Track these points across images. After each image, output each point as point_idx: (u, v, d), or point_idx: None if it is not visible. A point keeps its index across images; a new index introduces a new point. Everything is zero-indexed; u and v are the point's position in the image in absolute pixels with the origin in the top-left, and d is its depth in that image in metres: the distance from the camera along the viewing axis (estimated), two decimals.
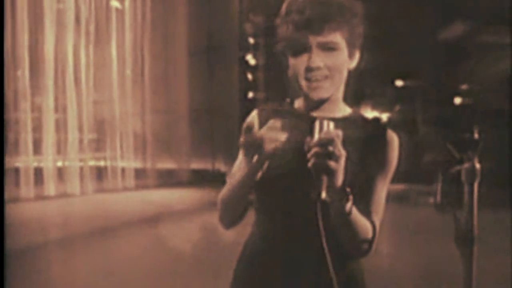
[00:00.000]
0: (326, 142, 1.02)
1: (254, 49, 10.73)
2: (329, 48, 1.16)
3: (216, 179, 10.63)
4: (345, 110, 1.26)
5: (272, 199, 1.23)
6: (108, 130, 8.94)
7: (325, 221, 1.07)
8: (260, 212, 1.27)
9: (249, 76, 10.76)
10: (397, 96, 10.31)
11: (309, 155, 1.04)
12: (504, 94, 9.83)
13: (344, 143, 1.06)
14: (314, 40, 1.15)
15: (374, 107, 10.28)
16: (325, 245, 1.05)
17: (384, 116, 10.29)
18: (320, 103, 1.22)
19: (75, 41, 8.21)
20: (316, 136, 1.04)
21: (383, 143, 1.21)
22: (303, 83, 1.18)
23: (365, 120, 1.26)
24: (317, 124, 1.06)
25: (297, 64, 1.18)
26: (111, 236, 5.79)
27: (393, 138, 1.22)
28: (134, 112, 9.26)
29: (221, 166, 10.37)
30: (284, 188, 1.19)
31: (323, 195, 1.01)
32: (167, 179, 9.56)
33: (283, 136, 1.12)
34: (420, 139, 9.46)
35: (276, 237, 1.21)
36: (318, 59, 1.15)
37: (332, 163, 1.02)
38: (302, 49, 1.16)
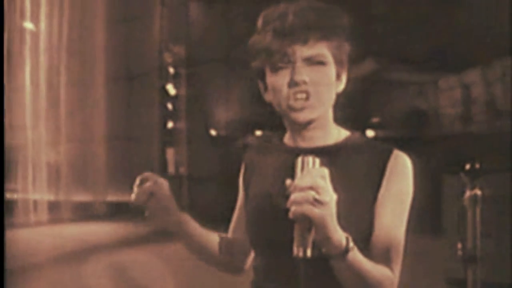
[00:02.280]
0: (307, 186, 0.83)
1: (174, 79, 10.67)
2: (315, 62, 1.00)
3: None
4: (340, 134, 1.09)
5: (263, 257, 1.07)
6: (19, 159, 8.34)
7: (317, 281, 0.94)
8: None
9: (169, 106, 10.64)
10: None
11: (288, 203, 0.84)
12: (411, 126, 10.66)
13: (336, 179, 0.87)
14: (298, 51, 0.98)
15: None
16: None
17: None
18: (308, 129, 1.04)
19: None
20: (298, 177, 0.85)
21: (388, 168, 1.01)
22: (286, 102, 1.01)
23: (365, 142, 1.09)
24: (299, 162, 0.87)
25: (278, 80, 1.01)
26: (21, 276, 5.32)
27: (401, 160, 1.03)
28: (47, 141, 8.73)
29: None
30: (272, 245, 1.02)
31: (309, 252, 0.84)
32: (83, 212, 9.06)
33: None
34: None
35: None
36: (303, 72, 0.99)
37: (316, 212, 0.82)
38: (284, 61, 1.00)
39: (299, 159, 0.88)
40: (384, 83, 10.75)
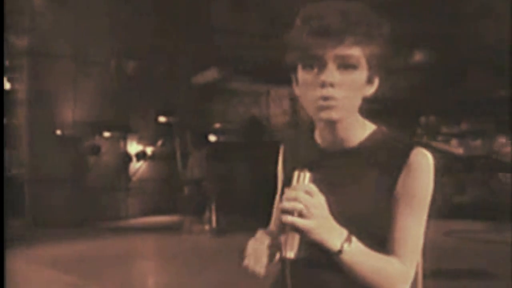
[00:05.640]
0: (292, 197, 0.94)
1: (10, 72, 9.81)
2: (347, 64, 1.00)
3: None
4: (365, 131, 1.10)
5: None
6: None
7: (304, 278, 1.04)
8: None
9: (4, 101, 9.73)
10: (160, 131, 10.79)
11: (281, 209, 0.95)
12: (248, 132, 11.46)
13: (355, 177, 1.03)
14: (331, 51, 0.99)
15: (140, 140, 10.59)
16: None
17: (149, 150, 10.68)
18: (333, 129, 1.07)
19: None
20: (289, 188, 0.96)
21: (406, 165, 1.04)
22: (313, 101, 1.02)
23: (388, 137, 1.10)
24: (295, 174, 0.96)
25: (308, 78, 1.02)
26: None
27: (421, 157, 1.04)
28: None
29: None
30: None
31: (290, 254, 0.93)
32: None
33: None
34: (182, 174, 10.11)
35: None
36: (333, 74, 0.99)
37: (300, 222, 0.94)
38: (317, 61, 1.00)
39: (295, 172, 0.96)
40: (225, 91, 11.41)
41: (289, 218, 0.93)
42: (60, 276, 5.50)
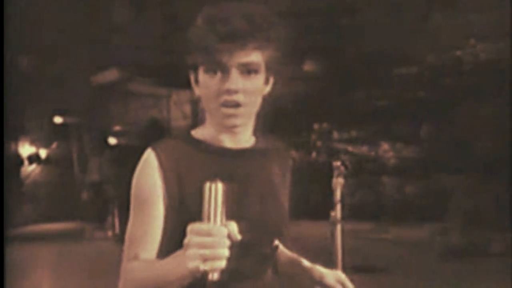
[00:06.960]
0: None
1: None
2: (249, 70, 1.01)
3: None
4: (251, 139, 1.13)
5: None
6: None
7: None
8: None
9: None
10: (55, 132, 10.37)
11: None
12: (148, 135, 11.29)
13: (262, 179, 1.09)
14: (236, 57, 0.99)
15: (33, 142, 10.08)
16: None
17: (43, 152, 10.20)
18: (235, 132, 1.07)
19: None
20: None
21: (289, 166, 1.19)
22: (217, 106, 1.02)
23: (269, 142, 1.17)
24: (206, 187, 0.85)
25: (211, 83, 1.01)
26: None
27: (295, 160, 1.26)
28: None
29: None
30: None
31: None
32: None
33: None
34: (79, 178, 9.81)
35: None
36: (237, 81, 1.00)
37: None
38: (220, 66, 1.00)
39: (207, 185, 0.85)
40: (124, 93, 11.14)
41: None
42: None
